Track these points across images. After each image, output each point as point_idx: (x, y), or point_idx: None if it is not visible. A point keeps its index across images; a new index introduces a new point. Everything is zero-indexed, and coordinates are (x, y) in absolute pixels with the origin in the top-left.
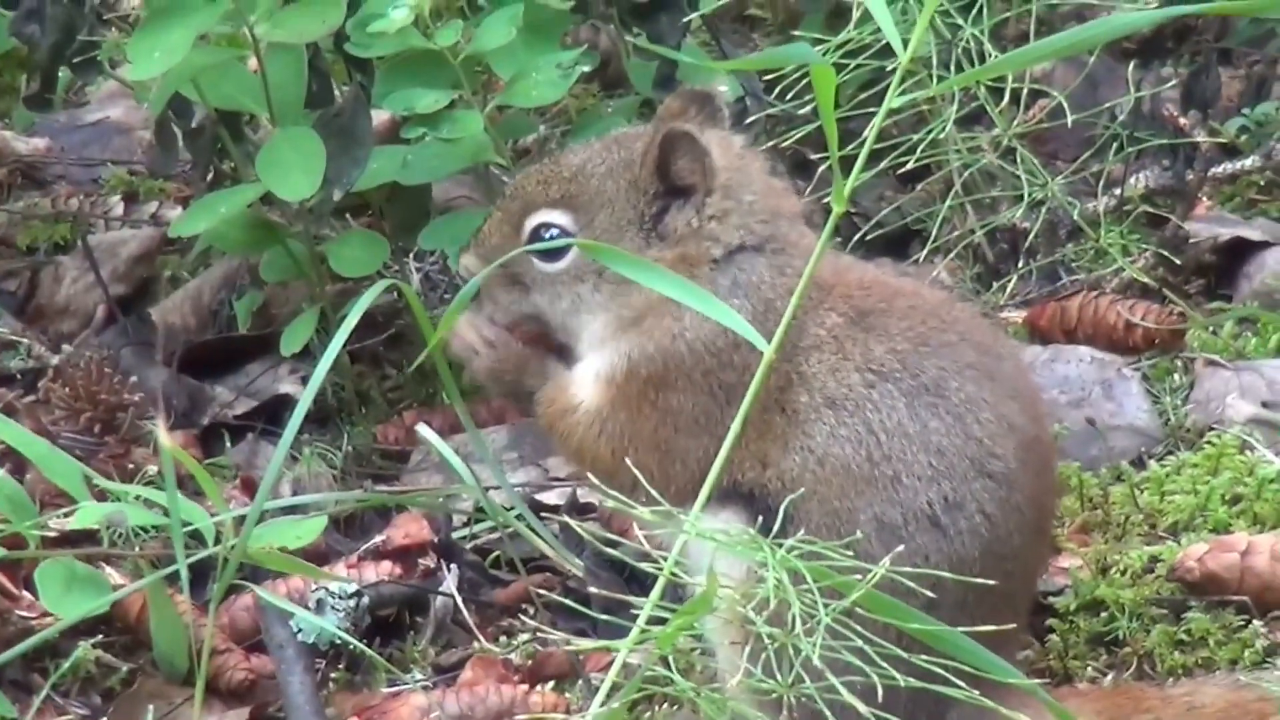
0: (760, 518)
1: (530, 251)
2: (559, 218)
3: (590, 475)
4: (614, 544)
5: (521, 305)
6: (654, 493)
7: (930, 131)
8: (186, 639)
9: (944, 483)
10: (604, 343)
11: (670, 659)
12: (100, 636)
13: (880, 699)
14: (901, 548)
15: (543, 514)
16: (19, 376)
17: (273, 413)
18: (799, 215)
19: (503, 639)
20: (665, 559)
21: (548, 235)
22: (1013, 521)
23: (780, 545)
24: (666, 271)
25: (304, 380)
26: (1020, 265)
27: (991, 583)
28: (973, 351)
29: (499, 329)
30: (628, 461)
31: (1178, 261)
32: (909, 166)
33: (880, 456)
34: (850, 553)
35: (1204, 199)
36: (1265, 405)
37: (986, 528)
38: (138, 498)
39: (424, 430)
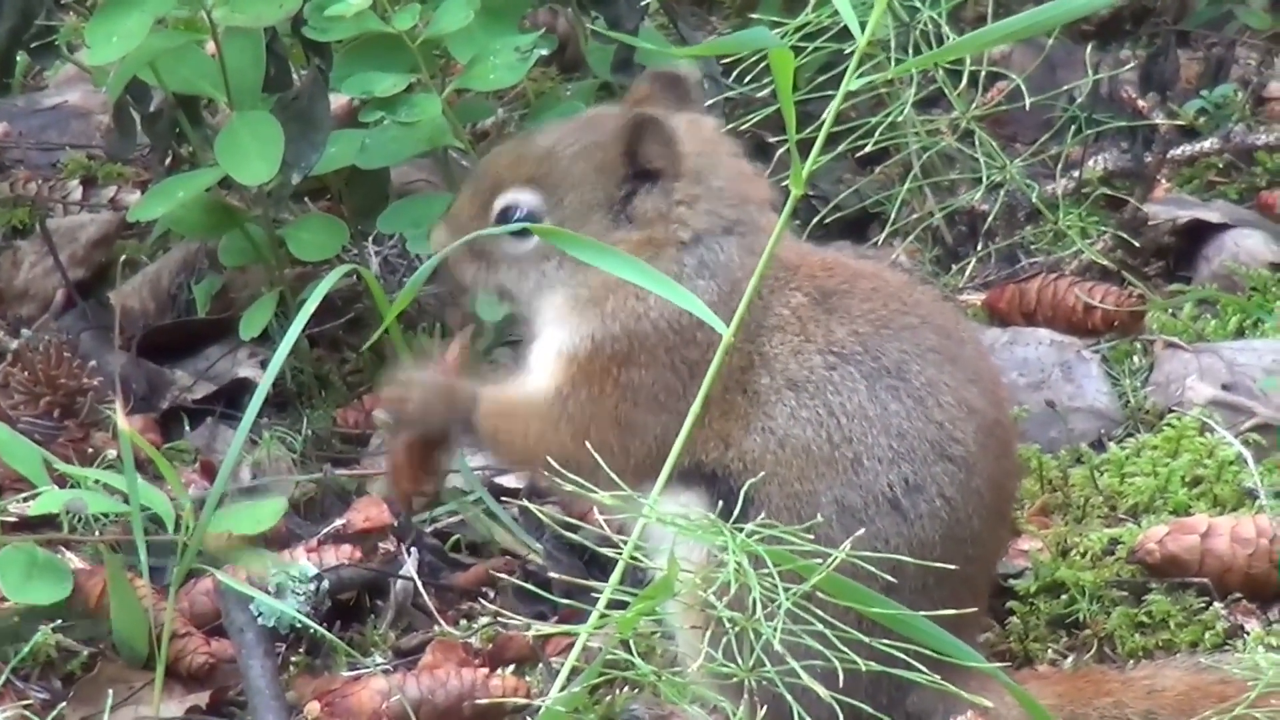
0: (721, 501)
1: (494, 233)
2: (528, 198)
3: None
4: (574, 528)
5: (488, 282)
6: (611, 473)
7: (889, 114)
8: (146, 623)
9: (904, 465)
10: (566, 319)
11: (631, 643)
12: (60, 621)
13: (841, 683)
14: (862, 531)
15: (502, 498)
16: None
17: (232, 397)
18: (768, 201)
19: (463, 623)
20: (625, 543)
21: (516, 215)
22: (973, 505)
23: (740, 529)
24: (626, 255)
25: (263, 364)
26: (979, 248)
27: (951, 566)
28: (934, 335)
29: (415, 369)
30: (588, 443)
31: (1137, 244)
32: (867, 149)
33: (841, 439)
34: (810, 536)
35: (1163, 181)
36: (1225, 387)
37: (946, 511)
38: (97, 482)
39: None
